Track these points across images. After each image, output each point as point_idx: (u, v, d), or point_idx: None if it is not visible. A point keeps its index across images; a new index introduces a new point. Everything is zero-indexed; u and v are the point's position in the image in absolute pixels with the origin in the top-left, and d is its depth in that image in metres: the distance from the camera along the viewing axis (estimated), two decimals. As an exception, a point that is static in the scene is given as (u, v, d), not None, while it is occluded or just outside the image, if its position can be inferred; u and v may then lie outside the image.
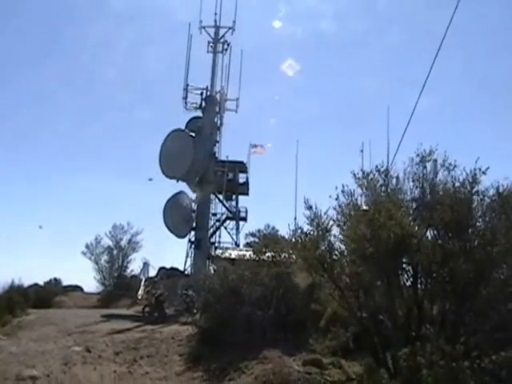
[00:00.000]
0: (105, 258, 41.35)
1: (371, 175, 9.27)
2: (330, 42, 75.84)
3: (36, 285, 36.87)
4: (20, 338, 17.58)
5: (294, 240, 9.81)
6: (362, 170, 9.43)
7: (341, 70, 78.48)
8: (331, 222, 9.30)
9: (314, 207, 9.31)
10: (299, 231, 9.45)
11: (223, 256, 22.57)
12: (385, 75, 74.53)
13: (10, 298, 24.96)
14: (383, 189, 9.41)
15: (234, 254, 22.72)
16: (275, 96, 67.10)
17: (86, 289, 43.52)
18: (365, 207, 9.12)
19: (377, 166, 9.41)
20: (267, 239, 17.27)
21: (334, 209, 9.29)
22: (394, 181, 9.63)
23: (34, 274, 43.38)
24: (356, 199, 9.30)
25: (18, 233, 73.21)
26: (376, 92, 74.16)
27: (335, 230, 9.40)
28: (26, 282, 32.42)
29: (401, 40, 73.76)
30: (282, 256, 15.78)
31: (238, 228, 37.44)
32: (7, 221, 72.70)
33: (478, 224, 8.91)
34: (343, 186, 9.44)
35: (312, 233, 9.32)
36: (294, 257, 14.06)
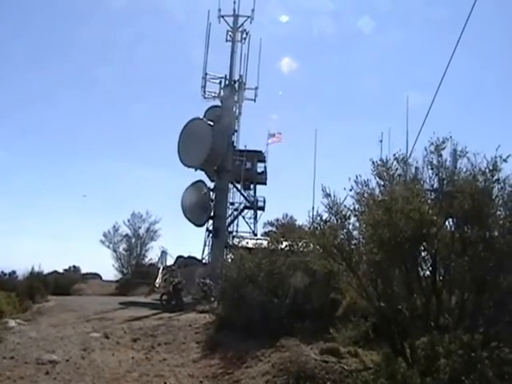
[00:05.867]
0: (123, 246, 41.69)
1: (389, 163, 9.17)
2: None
3: (55, 272, 37.34)
4: (40, 324, 17.79)
5: (312, 227, 9.75)
6: (380, 158, 9.34)
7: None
8: (349, 211, 9.23)
9: (332, 195, 9.25)
10: (318, 219, 9.39)
11: (240, 245, 22.59)
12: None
13: (30, 284, 25.29)
14: (401, 178, 9.32)
15: (251, 242, 22.73)
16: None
17: (105, 277, 44.03)
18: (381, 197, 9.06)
19: (394, 155, 9.32)
20: (285, 228, 17.24)
21: (352, 197, 9.23)
22: (413, 169, 9.53)
23: (53, 262, 43.98)
24: (372, 188, 9.23)
25: (37, 221, 74.35)
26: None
27: (353, 219, 9.34)
28: (46, 270, 32.84)
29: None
30: (299, 245, 15.78)
31: (255, 217, 37.51)
32: (28, 209, 73.89)
33: (498, 213, 8.78)
34: (356, 177, 9.37)
35: (331, 220, 9.26)
36: (311, 245, 14.03)
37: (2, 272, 29.06)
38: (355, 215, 9.18)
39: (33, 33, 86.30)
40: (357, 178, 9.21)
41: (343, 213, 9.17)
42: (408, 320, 8.84)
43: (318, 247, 9.90)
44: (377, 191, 9.21)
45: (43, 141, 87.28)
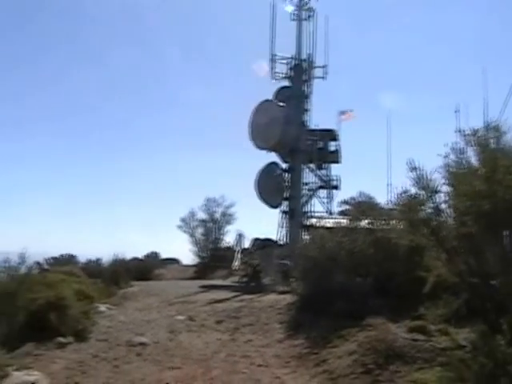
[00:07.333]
0: (200, 230, 42.21)
1: (481, 132, 8.73)
2: None
3: (136, 258, 38.22)
4: (126, 308, 18.36)
5: (398, 202, 9.43)
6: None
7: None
8: (438, 183, 8.84)
9: (419, 168, 8.88)
10: (405, 193, 9.05)
11: (318, 224, 22.37)
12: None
13: (114, 270, 26.03)
14: (497, 146, 8.84)
15: (329, 222, 22.43)
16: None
17: (183, 261, 44.86)
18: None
19: (487, 122, 8.88)
20: (363, 206, 16.90)
21: (445, 166, 8.81)
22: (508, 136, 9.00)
23: (134, 248, 45.20)
24: (468, 156, 8.80)
25: (119, 210, 77.08)
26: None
27: (442, 192, 8.94)
28: (127, 256, 33.68)
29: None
30: (381, 222, 15.42)
31: (330, 196, 36.89)
32: (110, 199, 76.81)
33: None
34: (452, 144, 8.96)
35: (418, 194, 8.91)
36: (393, 222, 13.68)
37: (89, 260, 30.07)
38: (448, 184, 8.77)
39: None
40: (453, 145, 8.81)
41: (431, 186, 8.81)
42: (504, 295, 8.42)
43: (404, 222, 9.60)
44: (473, 160, 8.77)
45: (119, 134, 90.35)
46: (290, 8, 35.53)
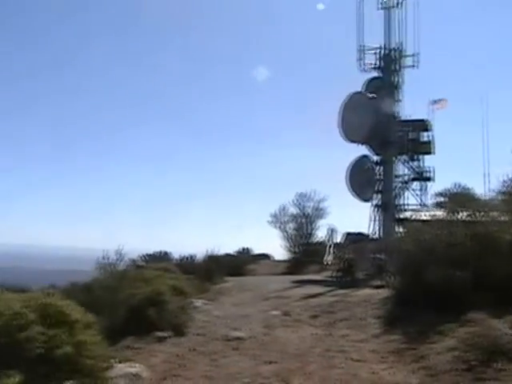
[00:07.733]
0: (292, 226, 42.36)
1: None
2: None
3: (228, 255, 38.87)
4: (222, 303, 18.68)
5: (502, 191, 9.02)
6: None
7: None
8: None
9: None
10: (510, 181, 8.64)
11: (413, 218, 21.87)
12: None
13: (208, 266, 26.57)
14: None
15: (424, 214, 21.84)
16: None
17: (275, 257, 45.24)
18: None
19: None
20: (461, 198, 16.30)
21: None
22: None
23: (226, 244, 46.07)
24: None
25: (212, 208, 78.86)
26: None
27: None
28: (220, 253, 34.24)
29: None
30: (479, 214, 14.87)
31: (424, 189, 35.85)
32: (204, 199, 78.76)
33: None
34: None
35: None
36: (494, 214, 13.15)
37: (183, 256, 30.82)
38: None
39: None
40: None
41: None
42: None
43: (507, 214, 9.19)
44: None
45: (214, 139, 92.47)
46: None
